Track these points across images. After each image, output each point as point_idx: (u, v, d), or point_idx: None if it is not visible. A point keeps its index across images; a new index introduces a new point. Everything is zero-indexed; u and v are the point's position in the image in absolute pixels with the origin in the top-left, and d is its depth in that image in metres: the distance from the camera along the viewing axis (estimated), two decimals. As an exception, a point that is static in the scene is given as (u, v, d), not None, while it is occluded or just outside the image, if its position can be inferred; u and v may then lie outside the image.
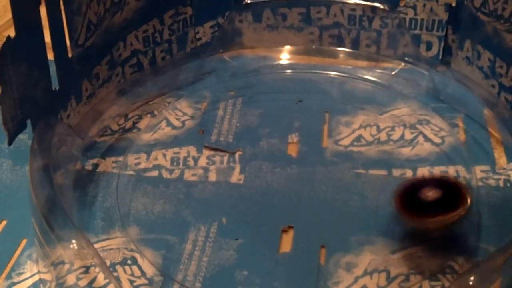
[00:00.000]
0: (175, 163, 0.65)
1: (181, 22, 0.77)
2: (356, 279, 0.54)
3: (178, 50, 0.77)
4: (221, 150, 0.66)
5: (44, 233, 0.52)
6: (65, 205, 0.55)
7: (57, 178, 0.62)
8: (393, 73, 0.75)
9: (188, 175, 0.63)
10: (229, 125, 0.69)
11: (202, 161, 0.65)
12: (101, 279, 0.53)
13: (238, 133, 0.68)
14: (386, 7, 0.75)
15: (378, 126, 0.69)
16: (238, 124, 0.69)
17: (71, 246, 0.52)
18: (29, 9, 0.56)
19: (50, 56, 0.61)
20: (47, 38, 0.60)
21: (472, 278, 0.48)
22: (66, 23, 0.61)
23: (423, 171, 0.63)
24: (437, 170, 0.63)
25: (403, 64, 0.76)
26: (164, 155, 0.66)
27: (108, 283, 0.53)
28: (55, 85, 0.62)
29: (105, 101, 0.70)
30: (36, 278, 0.54)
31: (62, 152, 0.62)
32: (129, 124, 0.70)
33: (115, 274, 0.54)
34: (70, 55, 0.63)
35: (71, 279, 0.53)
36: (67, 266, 0.53)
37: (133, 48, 0.73)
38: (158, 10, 0.74)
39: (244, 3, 0.78)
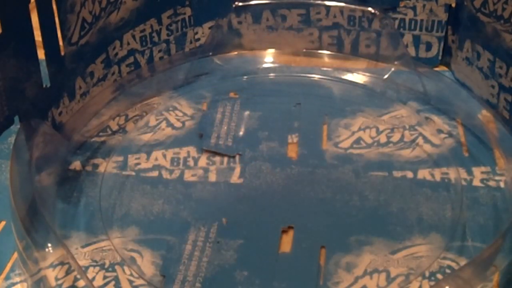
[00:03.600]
0: (175, 164, 0.65)
1: (180, 22, 0.77)
2: (356, 279, 0.53)
3: (177, 51, 0.77)
4: (220, 154, 0.66)
5: (22, 239, 0.53)
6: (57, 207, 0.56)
7: (51, 179, 0.62)
8: (392, 74, 0.75)
9: (188, 176, 0.63)
10: (228, 128, 0.69)
11: (202, 162, 0.65)
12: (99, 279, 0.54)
13: (237, 136, 0.68)
14: (377, 12, 0.75)
15: (377, 128, 0.69)
16: (236, 128, 0.69)
17: (47, 250, 0.53)
18: (17, 5, 0.56)
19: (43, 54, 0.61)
20: (39, 36, 0.60)
21: (465, 274, 0.48)
22: (58, 21, 0.61)
23: (424, 173, 0.63)
24: (438, 172, 0.63)
25: (402, 66, 0.76)
26: (164, 155, 0.65)
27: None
28: (46, 83, 0.62)
29: (101, 99, 0.70)
30: (35, 278, 0.53)
31: (50, 153, 0.62)
32: (129, 124, 0.70)
33: (114, 274, 0.54)
34: (62, 53, 0.63)
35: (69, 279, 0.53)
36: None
37: (130, 48, 0.73)
38: (156, 10, 0.74)
39: (234, 5, 0.78)
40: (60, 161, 0.64)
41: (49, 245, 0.54)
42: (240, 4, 0.78)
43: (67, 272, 0.54)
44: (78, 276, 0.53)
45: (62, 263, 0.54)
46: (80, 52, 0.65)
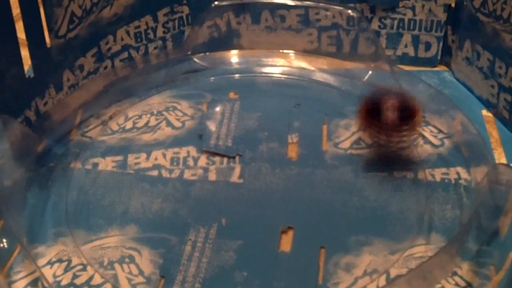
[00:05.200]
0: (175, 163, 0.64)
1: (177, 20, 0.77)
2: (356, 280, 0.53)
3: (174, 49, 0.77)
4: (220, 155, 0.66)
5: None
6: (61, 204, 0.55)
7: (49, 176, 0.63)
8: (391, 74, 0.75)
9: (187, 175, 0.63)
10: (227, 129, 0.69)
11: (202, 161, 0.65)
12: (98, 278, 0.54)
13: (237, 137, 0.68)
14: (354, 13, 0.75)
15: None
16: (236, 128, 0.69)
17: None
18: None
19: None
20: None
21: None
22: (44, 15, 0.62)
23: (424, 173, 0.63)
24: (438, 172, 0.63)
25: (402, 65, 0.75)
26: (164, 155, 0.65)
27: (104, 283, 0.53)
28: (29, 73, 0.62)
29: (89, 92, 0.71)
30: (34, 276, 0.53)
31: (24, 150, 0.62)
32: (128, 124, 0.70)
33: (113, 272, 0.54)
34: (48, 45, 0.63)
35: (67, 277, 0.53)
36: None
37: (124, 43, 0.73)
38: (151, 8, 0.75)
39: (213, 5, 0.77)
40: (32, 158, 0.64)
41: (47, 243, 0.54)
42: (216, 3, 0.77)
43: (66, 270, 0.54)
44: (78, 274, 0.53)
45: (60, 261, 0.55)
46: (68, 45, 0.66)
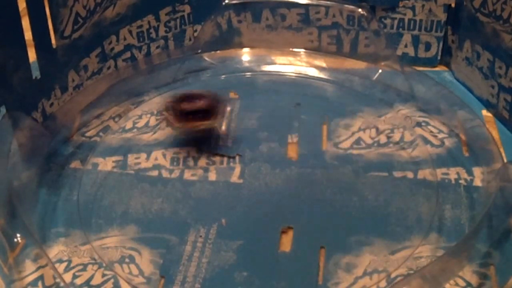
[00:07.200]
0: (175, 163, 0.64)
1: (179, 19, 0.77)
2: (355, 280, 0.53)
3: (175, 48, 0.77)
4: (220, 155, 0.66)
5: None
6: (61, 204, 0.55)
7: (48, 177, 0.63)
8: (392, 75, 0.75)
9: (188, 175, 0.63)
10: (228, 129, 0.69)
11: (202, 162, 0.65)
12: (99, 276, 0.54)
13: (237, 137, 0.68)
14: (364, 12, 0.75)
15: (377, 129, 0.69)
16: (236, 128, 0.69)
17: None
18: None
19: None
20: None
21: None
22: (50, 15, 0.62)
23: (424, 173, 0.63)
24: (438, 172, 0.63)
25: (403, 66, 0.75)
26: (164, 155, 0.65)
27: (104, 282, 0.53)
28: (36, 74, 0.62)
29: (94, 92, 0.71)
30: (34, 275, 0.53)
31: (36, 147, 0.63)
32: (129, 124, 0.70)
33: (113, 272, 0.54)
34: (54, 46, 0.63)
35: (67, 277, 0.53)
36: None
37: (126, 43, 0.73)
38: (153, 7, 0.75)
39: (224, 3, 0.77)
40: (45, 155, 0.65)
41: (47, 243, 0.54)
42: (227, 1, 0.77)
43: (66, 270, 0.54)
44: (77, 274, 0.53)
45: (60, 261, 0.55)
46: (73, 46, 0.66)
